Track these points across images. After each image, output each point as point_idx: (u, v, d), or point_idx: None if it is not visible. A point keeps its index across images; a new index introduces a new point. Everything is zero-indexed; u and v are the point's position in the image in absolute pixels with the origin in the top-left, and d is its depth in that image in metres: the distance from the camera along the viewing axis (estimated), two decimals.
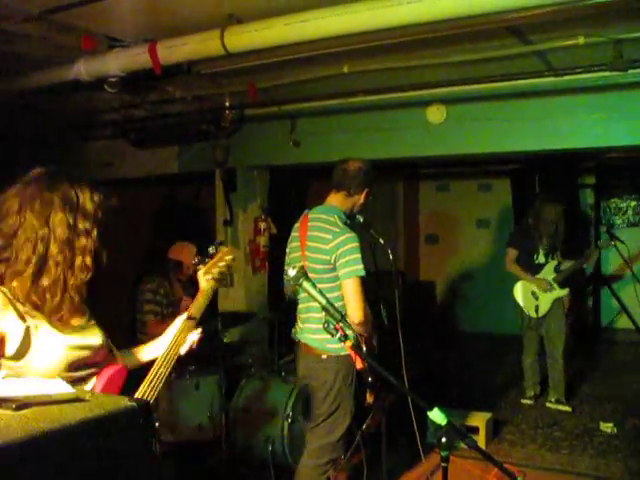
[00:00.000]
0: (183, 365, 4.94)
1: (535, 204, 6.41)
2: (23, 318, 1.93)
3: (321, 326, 2.45)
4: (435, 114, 5.76)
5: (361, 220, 3.89)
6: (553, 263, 6.29)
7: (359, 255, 3.50)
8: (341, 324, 2.49)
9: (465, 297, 10.30)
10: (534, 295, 6.26)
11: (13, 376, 1.90)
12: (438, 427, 2.29)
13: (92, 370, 2.12)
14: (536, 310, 6.24)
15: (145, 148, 7.07)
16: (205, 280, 2.61)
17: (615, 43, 4.35)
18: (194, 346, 2.49)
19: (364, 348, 3.37)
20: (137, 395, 2.16)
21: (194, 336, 2.48)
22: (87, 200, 2.04)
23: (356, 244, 3.53)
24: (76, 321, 2.11)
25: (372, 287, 4.02)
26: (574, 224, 8.58)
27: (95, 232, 2.04)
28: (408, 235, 10.62)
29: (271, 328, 5.43)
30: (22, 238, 1.94)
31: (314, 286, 2.61)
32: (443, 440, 2.19)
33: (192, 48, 4.09)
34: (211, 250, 2.71)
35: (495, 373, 7.62)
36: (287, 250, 3.93)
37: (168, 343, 2.40)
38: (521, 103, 5.45)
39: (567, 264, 6.31)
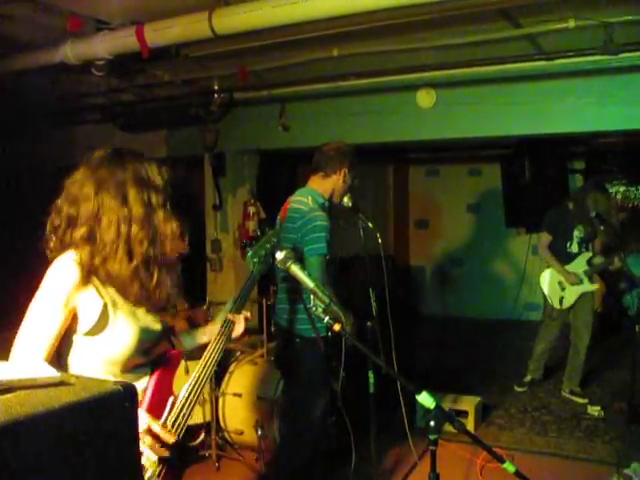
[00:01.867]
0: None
1: (581, 191, 6.05)
2: (101, 294, 1.97)
3: (293, 307, 2.42)
4: (425, 98, 5.74)
5: (350, 204, 3.88)
6: (587, 255, 5.97)
7: (323, 234, 3.50)
8: (329, 307, 2.48)
9: (455, 281, 10.32)
10: (561, 285, 5.98)
11: (85, 354, 1.99)
12: (427, 411, 2.28)
13: (152, 357, 2.19)
14: (560, 301, 5.99)
15: (133, 132, 7.02)
16: (253, 263, 2.64)
17: (606, 27, 4.34)
18: (242, 330, 2.50)
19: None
20: (191, 380, 2.18)
21: (241, 319, 2.49)
22: (156, 175, 2.09)
23: (321, 223, 3.53)
24: (142, 307, 2.13)
25: (362, 272, 4.02)
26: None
27: (168, 204, 2.07)
28: (398, 220, 10.61)
29: (260, 312, 5.41)
30: (104, 221, 1.96)
31: (302, 269, 2.60)
32: (431, 424, 2.19)
33: (180, 30, 4.06)
34: (258, 233, 2.74)
35: (484, 357, 7.64)
36: None
37: (219, 328, 2.42)
38: (511, 87, 5.44)
39: (599, 259, 6.03)
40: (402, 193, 10.81)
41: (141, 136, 7.09)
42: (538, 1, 4.07)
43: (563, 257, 5.97)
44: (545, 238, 6.03)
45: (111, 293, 2.01)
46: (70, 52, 4.44)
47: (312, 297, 2.53)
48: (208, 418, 4.75)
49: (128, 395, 1.43)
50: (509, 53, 4.80)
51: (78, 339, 2.00)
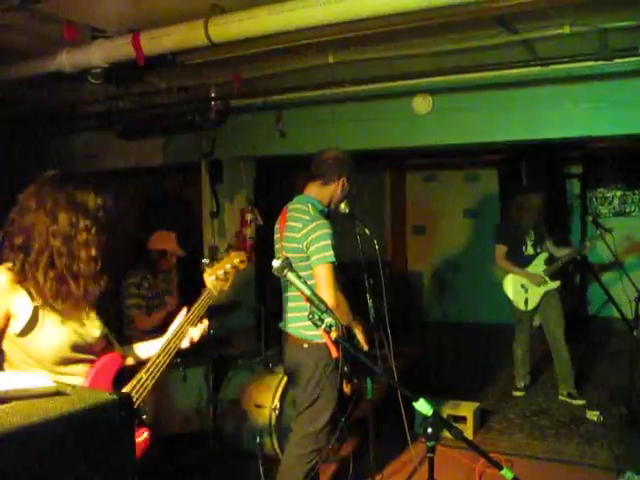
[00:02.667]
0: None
1: (517, 197, 6.37)
2: (32, 297, 2.19)
3: (299, 314, 2.45)
4: (421, 104, 5.75)
5: (347, 210, 3.89)
6: (544, 255, 6.24)
7: (329, 242, 3.51)
8: (325, 315, 2.48)
9: (452, 287, 10.32)
10: (524, 288, 6.21)
11: (15, 350, 2.19)
12: (425, 417, 2.29)
13: (90, 356, 2.34)
14: (525, 303, 6.20)
15: (130, 140, 7.01)
16: (209, 280, 2.74)
17: (600, 32, 4.35)
18: (195, 340, 2.64)
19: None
20: (134, 381, 2.34)
21: (195, 331, 2.64)
22: (89, 201, 2.27)
23: (326, 231, 3.54)
24: (80, 311, 2.32)
25: (359, 278, 4.02)
26: (559, 213, 8.65)
27: (94, 229, 2.26)
28: (395, 226, 10.62)
29: (258, 319, 5.41)
30: (36, 233, 2.19)
31: (298, 277, 2.60)
32: (429, 430, 2.19)
33: (176, 38, 4.06)
34: (219, 254, 2.83)
35: (483, 363, 7.64)
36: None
37: (169, 336, 2.55)
38: (507, 93, 5.45)
39: (559, 252, 6.27)
40: (399, 199, 10.82)
41: (138, 143, 7.08)
42: (533, 7, 4.07)
43: (522, 261, 6.24)
44: (500, 250, 6.30)
45: (43, 301, 2.21)
46: (66, 60, 4.44)
47: (309, 305, 2.54)
48: (206, 425, 4.75)
49: (124, 405, 1.44)
50: (505, 59, 4.81)
51: (10, 337, 2.19)
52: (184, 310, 2.67)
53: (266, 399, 4.64)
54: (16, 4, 3.72)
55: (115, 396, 1.44)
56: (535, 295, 6.21)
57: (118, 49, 4.28)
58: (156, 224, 6.04)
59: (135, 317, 5.08)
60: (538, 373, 6.64)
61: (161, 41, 4.11)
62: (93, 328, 2.35)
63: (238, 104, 6.15)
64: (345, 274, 3.75)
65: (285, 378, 4.50)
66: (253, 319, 6.38)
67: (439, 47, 4.78)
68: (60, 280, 2.21)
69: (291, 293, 3.70)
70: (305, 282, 2.63)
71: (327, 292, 3.45)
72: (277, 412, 4.56)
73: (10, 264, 2.20)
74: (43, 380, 1.54)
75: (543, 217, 6.24)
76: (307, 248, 3.53)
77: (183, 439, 4.83)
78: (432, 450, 2.24)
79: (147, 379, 2.36)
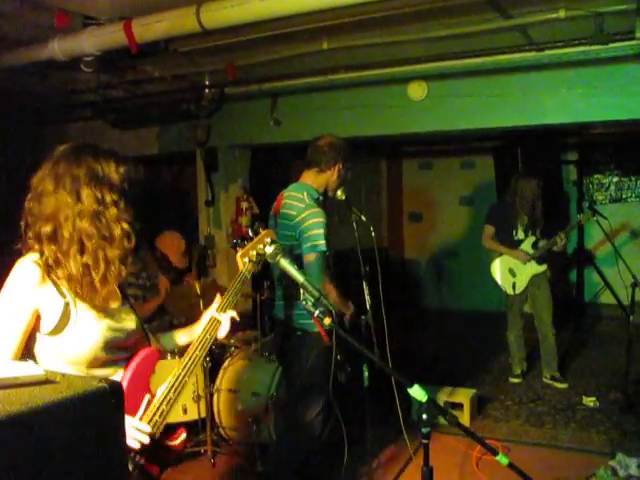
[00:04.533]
0: None
1: (512, 181, 6.38)
2: (63, 294, 1.98)
3: (291, 302, 2.43)
4: (416, 90, 5.73)
5: (343, 197, 3.88)
6: (531, 239, 6.25)
7: (322, 231, 3.50)
8: (318, 301, 2.46)
9: (449, 274, 10.32)
10: (511, 272, 6.25)
11: (49, 352, 1.99)
12: (421, 404, 2.28)
13: (126, 354, 2.16)
14: (513, 287, 6.24)
15: (125, 129, 6.99)
16: (242, 262, 2.61)
17: (595, 16, 4.32)
18: (229, 329, 2.45)
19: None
20: (171, 377, 2.15)
21: (227, 318, 2.44)
22: (112, 172, 2.05)
23: (319, 219, 3.52)
24: (113, 304, 2.16)
25: (355, 265, 4.01)
26: (555, 200, 8.63)
27: (123, 202, 2.05)
28: (391, 213, 10.61)
29: (254, 308, 5.40)
30: (62, 217, 1.97)
31: (292, 263, 2.59)
32: (424, 417, 2.18)
33: (168, 25, 4.04)
34: (250, 233, 2.69)
35: (480, 350, 7.65)
36: None
37: (204, 326, 2.38)
38: (503, 79, 5.43)
39: (544, 241, 6.26)
40: (395, 186, 10.80)
41: (133, 132, 7.06)
42: None
43: (510, 245, 6.27)
44: (489, 230, 6.35)
45: (76, 294, 2.02)
46: (58, 48, 4.41)
47: (302, 291, 2.52)
48: (203, 414, 4.74)
49: (114, 392, 1.42)
50: (499, 44, 4.79)
51: (41, 338, 2.01)
52: (217, 298, 2.50)
53: (262, 387, 4.64)
54: None
55: (105, 384, 1.43)
56: (522, 279, 6.23)
57: (110, 36, 4.26)
58: (151, 213, 6.01)
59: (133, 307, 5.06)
60: (534, 360, 6.65)
61: (153, 28, 4.08)
62: (128, 321, 2.18)
63: (232, 92, 6.13)
64: (341, 261, 3.73)
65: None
66: (249, 308, 6.37)
67: (433, 33, 4.76)
68: (93, 265, 2.00)
69: (284, 280, 3.68)
70: (298, 269, 2.61)
71: (316, 281, 3.43)
72: (273, 400, 4.55)
73: (37, 256, 1.99)
74: (32, 368, 1.52)
75: (539, 203, 6.23)
76: (300, 236, 3.52)
77: (165, 430, 4.80)
78: (427, 436, 2.23)
79: (185, 375, 2.17)
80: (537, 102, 5.39)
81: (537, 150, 8.80)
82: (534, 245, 6.25)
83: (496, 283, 6.36)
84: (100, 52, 4.43)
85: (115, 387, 1.43)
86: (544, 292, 6.27)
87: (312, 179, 3.78)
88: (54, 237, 1.97)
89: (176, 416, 4.75)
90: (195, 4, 3.87)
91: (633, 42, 4.28)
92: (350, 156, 3.84)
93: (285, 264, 2.57)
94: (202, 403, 4.73)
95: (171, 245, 5.27)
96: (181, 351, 2.42)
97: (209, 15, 3.86)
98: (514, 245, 6.26)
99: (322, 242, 3.49)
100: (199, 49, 4.96)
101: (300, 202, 3.61)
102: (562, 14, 4.26)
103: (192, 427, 4.81)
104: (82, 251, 1.99)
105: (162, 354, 2.30)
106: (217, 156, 6.90)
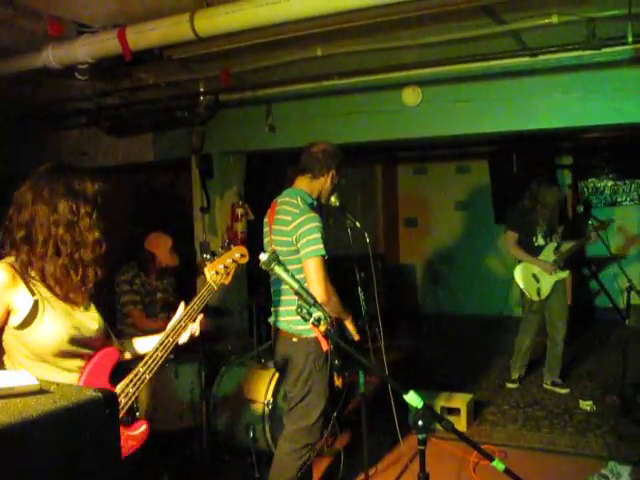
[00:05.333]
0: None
1: (532, 187, 6.25)
2: (32, 292, 2.21)
3: (288, 308, 2.45)
4: (411, 96, 5.74)
5: (337, 203, 3.88)
6: (552, 245, 6.18)
7: (319, 235, 3.51)
8: (314, 308, 2.46)
9: (445, 279, 10.33)
10: (535, 278, 6.15)
11: (14, 343, 2.22)
12: (416, 410, 2.28)
13: (89, 350, 2.37)
14: (538, 293, 6.14)
15: (120, 136, 6.98)
16: (210, 275, 2.78)
17: (588, 21, 4.33)
18: (195, 335, 2.66)
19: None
20: (130, 375, 2.39)
21: (194, 326, 2.64)
22: (87, 187, 2.32)
23: (316, 224, 3.53)
24: (80, 303, 2.36)
25: (351, 271, 4.02)
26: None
27: (95, 214, 2.31)
28: (387, 218, 10.62)
29: (250, 314, 5.40)
30: (37, 224, 2.23)
31: (286, 270, 2.59)
32: (419, 423, 2.18)
33: (162, 33, 4.02)
34: (220, 250, 2.85)
35: (476, 354, 7.65)
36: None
37: (167, 330, 2.57)
38: (497, 84, 5.44)
39: (566, 245, 6.21)
40: (391, 192, 10.82)
41: (127, 140, 7.05)
42: None
43: (531, 251, 6.18)
44: (512, 237, 6.24)
45: (43, 291, 2.25)
46: (52, 56, 4.39)
47: (297, 298, 2.52)
48: (199, 421, 4.73)
49: (108, 402, 1.42)
50: (493, 50, 4.80)
51: (9, 330, 2.22)
52: (182, 305, 2.67)
53: (259, 394, 4.63)
54: None
55: (100, 394, 1.42)
56: (547, 284, 6.13)
57: (104, 44, 4.24)
58: (147, 220, 6.01)
59: (131, 313, 5.07)
60: (531, 364, 6.66)
61: (147, 35, 4.07)
62: (92, 321, 2.38)
63: (227, 99, 6.13)
64: (336, 268, 3.73)
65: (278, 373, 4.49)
66: (245, 314, 6.37)
67: (428, 38, 4.75)
68: (66, 267, 2.25)
69: (279, 287, 3.70)
70: (293, 276, 2.62)
71: (318, 285, 3.44)
72: (270, 407, 4.55)
73: (12, 259, 2.23)
74: (26, 378, 1.52)
75: (557, 211, 6.20)
76: (297, 241, 3.52)
77: (176, 435, 4.82)
78: (423, 443, 2.24)
79: (144, 372, 2.39)
80: (531, 107, 5.40)
81: (532, 155, 8.82)
82: (555, 251, 6.17)
83: (499, 288, 6.36)
84: (94, 60, 4.41)
85: (110, 397, 1.42)
86: (562, 299, 6.22)
87: (306, 185, 3.79)
88: (28, 240, 2.23)
89: (172, 423, 4.78)
90: (189, 11, 3.87)
91: (626, 47, 4.29)
92: (343, 163, 3.85)
93: (279, 271, 2.58)
94: (198, 409, 4.72)
95: (157, 244, 5.26)
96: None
97: (203, 22, 3.85)
98: (535, 251, 6.18)
99: (320, 246, 3.49)
100: (193, 56, 4.96)
101: (295, 207, 3.62)
102: (555, 19, 4.26)
103: (188, 434, 4.81)
104: (58, 254, 2.24)
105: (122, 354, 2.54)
106: (212, 163, 6.90)
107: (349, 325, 3.74)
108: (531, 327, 6.32)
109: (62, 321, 2.25)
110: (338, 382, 3.69)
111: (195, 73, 5.74)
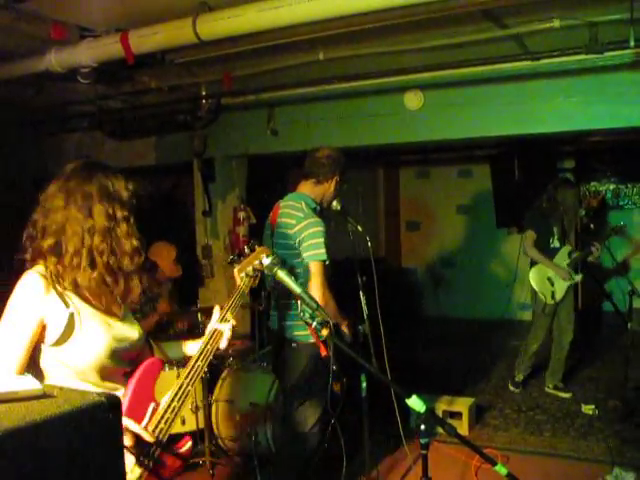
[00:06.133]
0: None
1: (549, 188, 6.17)
2: (67, 304, 2.03)
3: (288, 313, 2.44)
4: (412, 100, 5.74)
5: (339, 208, 3.89)
6: (567, 248, 6.15)
7: (322, 240, 3.51)
8: (316, 313, 2.46)
9: (446, 283, 10.32)
10: (550, 281, 6.07)
11: (54, 363, 2.04)
12: (418, 414, 2.28)
13: (131, 364, 2.21)
14: (552, 296, 6.05)
15: (122, 140, 7.00)
16: (240, 277, 2.71)
17: (590, 26, 4.34)
18: (230, 339, 2.49)
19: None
20: (174, 387, 2.18)
21: (229, 328, 2.48)
22: (122, 189, 2.13)
23: (319, 229, 3.54)
24: (117, 314, 2.19)
25: (352, 275, 4.02)
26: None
27: (132, 218, 2.14)
28: (389, 222, 10.62)
29: (252, 319, 5.40)
30: (70, 232, 2.03)
31: (288, 275, 2.59)
32: (422, 427, 2.18)
33: (164, 37, 4.05)
34: (246, 250, 2.79)
35: (478, 358, 7.64)
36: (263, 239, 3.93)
37: (205, 337, 2.42)
38: (499, 88, 5.44)
39: (577, 252, 6.19)
40: (393, 195, 10.81)
41: (130, 143, 7.06)
42: (523, 1, 4.07)
43: (547, 253, 6.10)
44: (530, 237, 6.12)
45: (78, 302, 2.07)
46: (55, 60, 4.42)
47: (299, 302, 2.52)
48: (201, 425, 4.73)
49: (112, 406, 1.42)
50: (495, 54, 4.80)
51: (46, 350, 2.04)
52: (217, 309, 2.55)
53: (260, 398, 4.63)
54: (1, 3, 3.70)
55: (103, 398, 1.42)
56: (561, 288, 6.07)
57: (107, 48, 4.27)
58: (149, 225, 5.98)
59: None
60: (533, 367, 6.68)
61: (150, 39, 4.09)
62: (132, 331, 2.23)
63: (229, 102, 6.14)
64: (338, 271, 3.73)
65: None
66: (247, 318, 6.37)
67: (429, 43, 4.77)
68: (103, 279, 2.09)
69: (281, 291, 3.68)
70: (295, 280, 2.61)
71: (316, 290, 3.45)
72: (271, 410, 4.55)
73: (42, 267, 2.04)
74: (30, 382, 1.52)
75: (573, 213, 6.21)
76: (300, 245, 3.53)
77: (170, 439, 4.80)
78: (425, 447, 2.24)
79: (188, 384, 2.21)
80: (533, 111, 5.40)
81: (534, 158, 8.82)
82: (569, 254, 6.15)
83: (498, 292, 6.33)
84: (97, 63, 4.43)
85: (113, 401, 1.42)
86: (571, 304, 6.20)
87: (309, 190, 3.80)
88: (56, 250, 2.03)
89: (175, 427, 4.75)
90: (191, 15, 3.89)
91: (627, 51, 4.29)
92: (347, 168, 3.86)
93: (282, 275, 2.58)
94: (200, 414, 4.72)
95: (160, 254, 5.21)
96: (182, 362, 2.45)
97: (205, 26, 3.87)
98: (550, 253, 6.12)
99: (322, 251, 3.50)
100: (196, 60, 4.98)
101: (299, 211, 3.62)
102: (557, 24, 4.28)
103: (190, 438, 4.79)
104: (93, 265, 2.05)
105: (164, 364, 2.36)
106: (214, 166, 6.91)
107: (345, 329, 3.74)
108: (541, 331, 6.24)
109: (102, 333, 2.09)
110: (336, 387, 3.69)
111: (197, 77, 5.77)
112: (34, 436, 1.26)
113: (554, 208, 6.07)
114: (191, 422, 4.77)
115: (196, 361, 2.29)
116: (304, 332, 3.33)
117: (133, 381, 2.13)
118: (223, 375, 4.96)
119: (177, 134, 6.79)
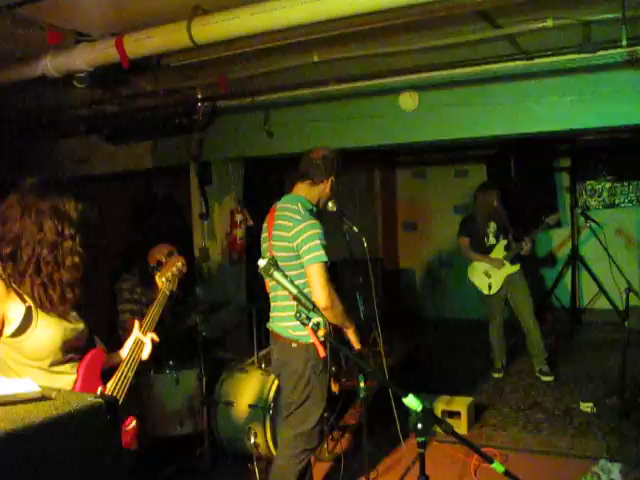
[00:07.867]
0: (163, 360, 4.94)
1: (475, 194, 6.91)
2: (24, 300, 2.30)
3: (287, 314, 2.46)
4: (407, 101, 5.76)
5: (334, 209, 3.89)
6: (503, 243, 6.73)
7: (320, 241, 3.51)
8: (312, 313, 2.48)
9: (444, 283, 10.33)
10: (486, 274, 6.73)
11: (8, 351, 2.30)
12: (416, 413, 2.29)
13: (77, 354, 2.48)
14: (489, 287, 6.71)
15: (119, 144, 7.00)
16: (161, 282, 3.06)
17: (584, 25, 4.36)
18: (148, 352, 2.76)
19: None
20: (117, 373, 2.55)
21: (149, 340, 2.76)
22: (72, 210, 2.36)
23: (317, 231, 3.53)
24: (64, 312, 2.44)
25: (349, 276, 4.03)
26: (549, 206, 8.71)
27: (78, 236, 2.36)
28: (386, 222, 10.62)
29: (250, 320, 5.41)
30: (24, 242, 2.28)
31: (285, 276, 2.60)
32: (419, 426, 2.19)
33: (159, 40, 4.05)
34: (163, 259, 3.21)
35: (476, 358, 7.64)
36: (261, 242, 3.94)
37: (129, 347, 2.71)
38: (493, 88, 5.46)
39: (514, 245, 6.69)
40: (389, 196, 10.82)
41: (126, 147, 7.07)
42: (516, 1, 4.08)
43: (484, 250, 6.80)
44: (464, 242, 6.94)
45: (33, 301, 2.33)
46: (50, 65, 4.42)
47: (296, 303, 2.53)
48: (201, 427, 4.74)
49: (109, 408, 1.43)
50: (489, 54, 4.82)
51: (4, 340, 2.29)
52: (136, 322, 2.79)
53: (259, 399, 4.64)
54: None
55: (100, 400, 1.44)
56: (497, 280, 6.70)
57: (102, 52, 4.27)
58: (147, 227, 6.01)
59: (129, 322, 5.07)
60: (530, 364, 6.72)
61: (145, 43, 4.09)
62: (78, 324, 2.48)
63: (225, 105, 6.14)
64: (335, 273, 3.74)
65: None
66: (245, 320, 6.37)
67: (424, 43, 4.78)
68: (44, 286, 2.30)
69: (279, 292, 3.69)
70: (292, 281, 2.63)
71: (321, 291, 3.44)
72: (271, 412, 4.56)
73: (1, 271, 2.29)
74: (28, 385, 1.53)
75: (501, 212, 6.72)
76: (298, 247, 3.52)
77: (177, 441, 4.83)
78: (423, 446, 2.24)
79: (118, 389, 2.50)
80: (528, 110, 5.42)
81: (530, 157, 8.85)
82: (507, 248, 6.72)
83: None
84: (93, 68, 4.43)
85: (111, 403, 1.44)
86: (521, 288, 6.72)
87: (305, 191, 3.80)
88: (14, 257, 2.28)
89: (173, 429, 4.78)
90: (186, 19, 3.89)
91: (621, 50, 4.30)
92: (343, 169, 3.87)
93: (279, 277, 2.59)
94: (199, 416, 4.73)
95: (157, 251, 5.22)
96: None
97: (200, 30, 3.87)
98: (487, 250, 6.77)
99: (322, 252, 3.49)
100: (191, 63, 4.98)
101: (296, 214, 3.62)
102: (550, 23, 4.29)
103: (189, 440, 4.81)
104: (38, 273, 2.29)
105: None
106: (211, 169, 6.92)
107: (352, 335, 3.72)
108: (492, 319, 6.90)
109: (55, 326, 2.34)
110: (335, 388, 3.70)
111: (193, 80, 5.77)
112: (32, 438, 1.27)
113: (480, 211, 6.81)
114: (189, 423, 4.79)
115: (124, 367, 2.60)
116: (303, 332, 3.33)
117: (82, 368, 2.45)
118: (222, 376, 4.97)
119: (173, 137, 6.79)
